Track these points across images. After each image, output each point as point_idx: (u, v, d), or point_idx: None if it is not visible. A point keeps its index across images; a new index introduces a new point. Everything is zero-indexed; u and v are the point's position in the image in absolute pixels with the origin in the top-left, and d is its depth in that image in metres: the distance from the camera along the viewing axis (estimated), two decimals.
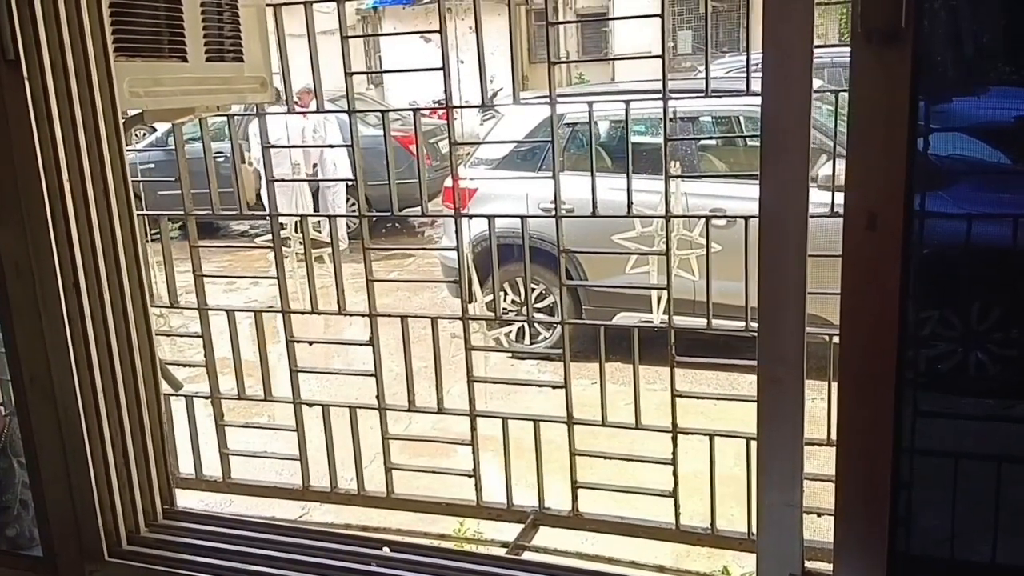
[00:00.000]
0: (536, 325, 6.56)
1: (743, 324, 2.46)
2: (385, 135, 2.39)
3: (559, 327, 6.65)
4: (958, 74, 1.20)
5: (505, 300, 6.18)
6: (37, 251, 1.61)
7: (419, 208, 2.57)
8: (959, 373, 1.31)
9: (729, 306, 2.55)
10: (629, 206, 2.38)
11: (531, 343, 6.58)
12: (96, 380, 1.70)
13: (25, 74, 1.55)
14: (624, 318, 5.59)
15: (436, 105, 9.71)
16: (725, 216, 2.35)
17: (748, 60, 2.17)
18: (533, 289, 6.72)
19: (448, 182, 6.49)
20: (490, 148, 6.56)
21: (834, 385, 2.27)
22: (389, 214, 2.48)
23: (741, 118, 6.89)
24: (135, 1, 1.93)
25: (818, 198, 1.32)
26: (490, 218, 2.42)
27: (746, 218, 2.22)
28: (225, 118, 2.77)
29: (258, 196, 8.80)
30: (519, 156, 6.89)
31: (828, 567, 1.45)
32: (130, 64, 1.94)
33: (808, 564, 1.47)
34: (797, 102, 1.29)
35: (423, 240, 10.53)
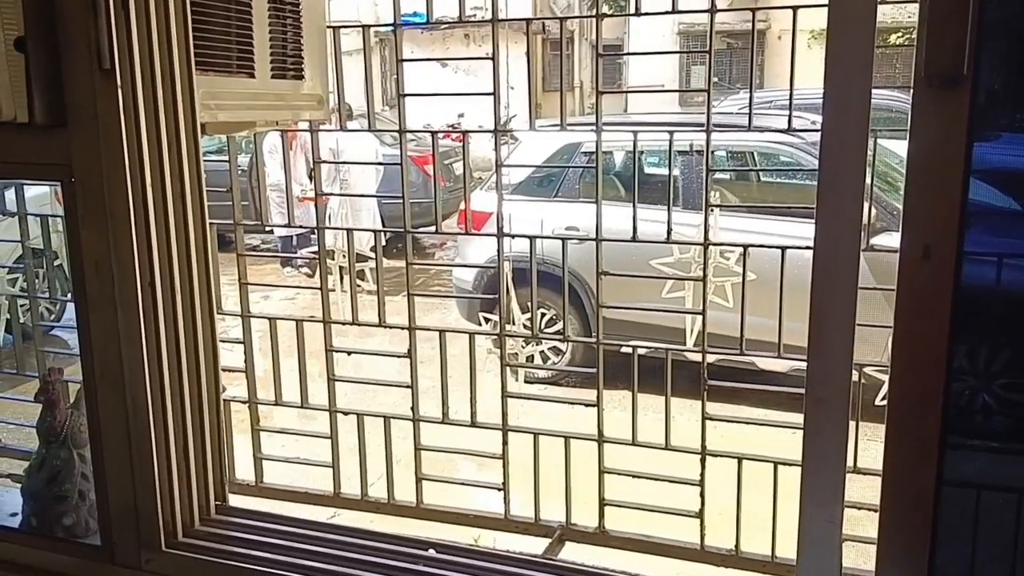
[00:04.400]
0: (547, 350, 6.65)
1: (767, 353, 2.54)
2: (434, 156, 2.48)
3: (568, 354, 6.80)
4: (1015, 116, 1.28)
5: (517, 324, 6.26)
6: (118, 250, 1.69)
7: (438, 226, 2.64)
8: (1009, 408, 1.39)
9: (754, 341, 2.61)
10: (669, 232, 2.47)
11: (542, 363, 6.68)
12: (165, 377, 1.78)
13: (118, 82, 1.64)
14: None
15: (450, 128, 9.88)
16: (762, 246, 2.43)
17: (791, 97, 2.26)
18: (544, 314, 6.85)
19: (463, 204, 6.61)
20: (507, 174, 6.68)
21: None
22: (434, 231, 2.56)
23: (755, 153, 7.02)
24: (211, 19, 2.02)
25: None
26: (532, 238, 2.51)
27: (783, 248, 2.31)
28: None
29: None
30: (535, 182, 7.02)
31: None
32: (203, 77, 2.02)
33: None
34: (854, 142, 1.38)
35: (434, 260, 10.64)
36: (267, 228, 8.60)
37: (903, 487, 1.37)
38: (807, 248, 1.89)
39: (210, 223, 2.67)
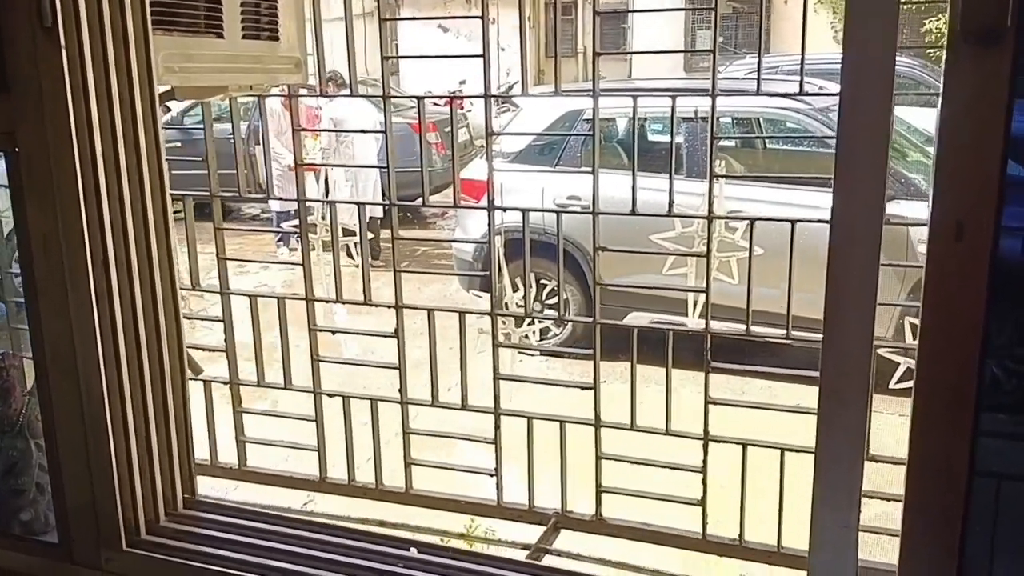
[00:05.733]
0: (546, 321, 6.49)
1: (775, 330, 2.40)
2: (421, 122, 2.33)
3: (568, 325, 6.64)
4: None
5: (516, 295, 6.11)
6: (66, 226, 1.55)
7: (425, 199, 2.50)
8: None
9: (761, 312, 2.47)
10: (671, 205, 2.31)
11: (540, 339, 6.52)
12: (122, 362, 1.64)
13: (62, 42, 1.49)
14: (635, 318, 5.55)
15: (450, 94, 9.65)
16: (771, 219, 2.28)
17: (803, 61, 2.09)
18: (544, 285, 6.70)
19: (464, 173, 6.43)
20: (507, 142, 6.51)
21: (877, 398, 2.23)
22: (421, 204, 2.41)
23: (761, 120, 6.82)
24: None
25: None
26: (524, 211, 2.36)
27: (792, 222, 2.16)
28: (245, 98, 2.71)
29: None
30: (536, 150, 6.84)
31: None
32: (166, 38, 1.87)
33: None
34: (877, 108, 1.23)
35: (435, 230, 10.47)
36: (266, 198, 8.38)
37: (930, 483, 1.23)
38: (819, 221, 1.74)
39: (185, 195, 2.55)
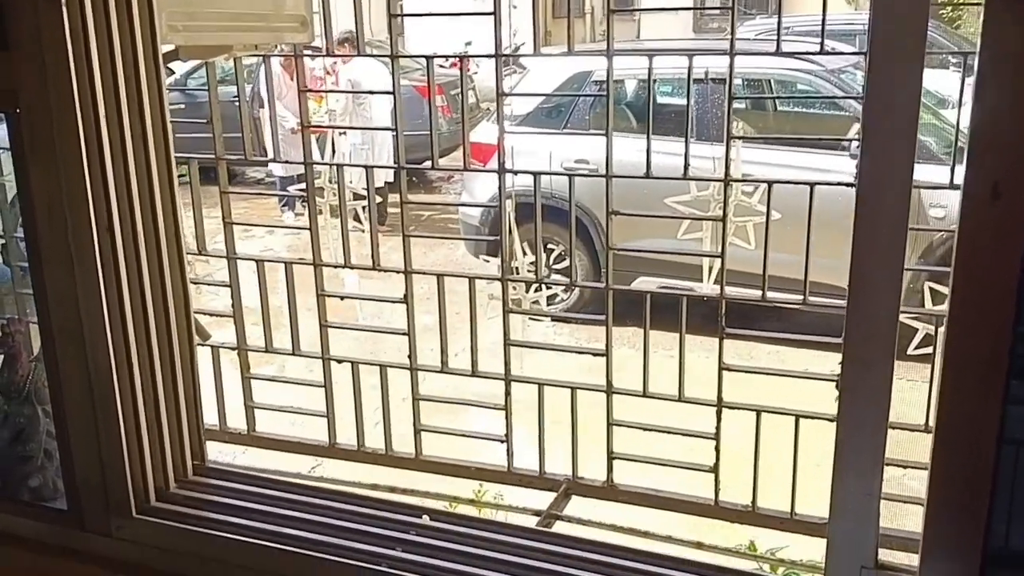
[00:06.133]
0: (554, 286, 6.45)
1: (791, 296, 2.36)
2: (430, 84, 2.27)
3: (576, 291, 6.60)
4: None
5: (525, 260, 6.07)
6: (70, 192, 1.52)
7: (435, 161, 2.45)
8: None
9: (777, 277, 2.44)
10: (686, 168, 2.26)
11: (547, 304, 6.48)
12: (128, 327, 1.61)
13: (63, 2, 1.44)
14: (644, 282, 5.51)
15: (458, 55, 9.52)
16: (789, 182, 2.23)
17: (823, 21, 2.02)
18: (552, 250, 6.65)
19: (474, 136, 6.36)
20: (514, 104, 6.43)
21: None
22: (429, 167, 2.37)
23: (772, 81, 6.72)
24: None
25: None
26: (536, 175, 2.31)
27: (811, 185, 2.11)
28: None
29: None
30: (544, 113, 6.75)
31: (903, 556, 1.37)
32: None
33: (882, 553, 1.39)
34: (908, 66, 1.18)
35: (440, 194, 10.41)
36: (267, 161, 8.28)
37: (958, 451, 1.20)
38: (841, 184, 1.69)
39: (190, 158, 2.51)
